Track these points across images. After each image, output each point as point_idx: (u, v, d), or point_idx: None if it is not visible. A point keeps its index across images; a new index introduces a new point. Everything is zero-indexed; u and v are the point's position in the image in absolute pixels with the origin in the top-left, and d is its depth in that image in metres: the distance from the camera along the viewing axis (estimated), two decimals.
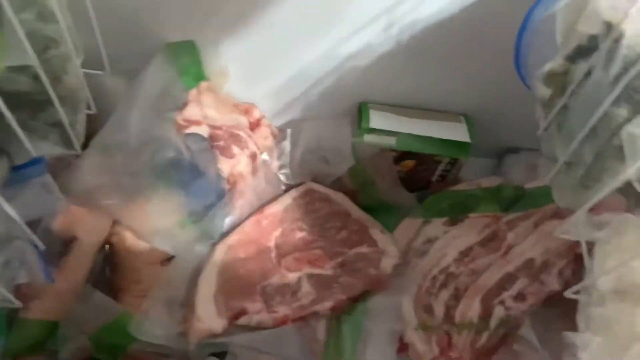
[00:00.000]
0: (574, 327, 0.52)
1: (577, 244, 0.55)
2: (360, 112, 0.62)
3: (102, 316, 0.47)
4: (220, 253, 0.55)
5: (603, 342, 0.32)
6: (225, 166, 0.60)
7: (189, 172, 0.58)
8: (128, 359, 0.49)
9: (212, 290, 0.51)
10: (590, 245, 0.40)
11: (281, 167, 0.65)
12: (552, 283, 0.53)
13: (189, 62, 0.59)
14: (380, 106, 0.62)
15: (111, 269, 0.57)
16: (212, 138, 0.60)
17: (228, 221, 0.59)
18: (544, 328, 0.52)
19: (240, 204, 0.60)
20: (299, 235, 0.60)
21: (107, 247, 0.56)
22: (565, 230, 0.42)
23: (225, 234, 0.58)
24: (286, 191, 0.64)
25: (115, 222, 0.56)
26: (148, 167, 0.55)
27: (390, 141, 0.61)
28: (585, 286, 0.36)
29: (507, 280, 0.55)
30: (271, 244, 0.58)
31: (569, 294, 0.37)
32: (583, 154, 0.37)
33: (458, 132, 0.61)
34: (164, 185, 0.56)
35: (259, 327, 0.50)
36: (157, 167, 0.55)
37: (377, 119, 0.60)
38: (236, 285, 0.52)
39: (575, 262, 0.54)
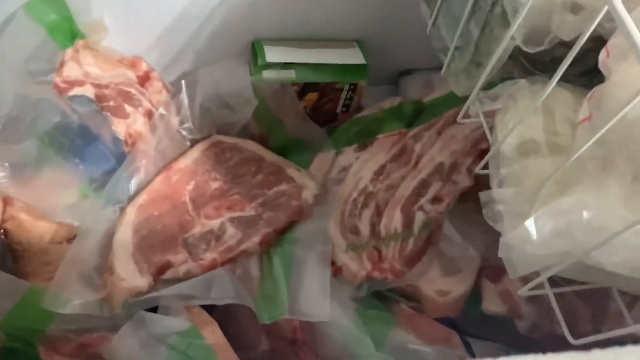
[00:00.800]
0: None
1: (480, 140, 0.59)
2: (254, 50, 0.60)
3: (9, 297, 0.42)
4: (131, 215, 0.52)
5: (516, 192, 0.34)
6: (120, 127, 0.57)
7: (80, 137, 0.54)
8: (48, 343, 0.45)
9: (129, 250, 0.48)
10: (491, 125, 0.43)
11: (182, 122, 0.61)
12: (463, 180, 0.56)
13: (57, 19, 0.54)
14: (274, 41, 0.61)
15: (13, 258, 0.52)
16: (99, 98, 0.56)
17: (134, 183, 0.55)
18: (463, 222, 0.55)
19: (144, 164, 0.57)
20: (214, 185, 0.58)
21: (1, 234, 0.51)
22: (464, 115, 0.44)
23: (133, 197, 0.54)
24: (192, 146, 0.62)
25: (6, 206, 0.51)
26: (33, 136, 0.50)
27: (290, 74, 0.60)
28: (492, 156, 0.38)
29: (422, 187, 0.57)
30: (185, 198, 0.56)
31: (478, 170, 0.39)
32: (470, 32, 0.38)
33: (353, 56, 0.62)
34: (55, 154, 0.51)
35: (188, 277, 0.48)
36: (43, 135, 0.50)
37: (273, 54, 0.59)
38: (155, 241, 0.49)
39: (481, 157, 0.57)
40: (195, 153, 0.60)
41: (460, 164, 0.57)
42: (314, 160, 0.63)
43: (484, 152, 0.57)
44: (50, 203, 0.51)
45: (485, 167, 0.40)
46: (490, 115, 0.43)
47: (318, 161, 0.63)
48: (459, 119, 0.44)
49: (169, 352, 0.40)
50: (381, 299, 0.54)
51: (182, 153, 0.60)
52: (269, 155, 0.62)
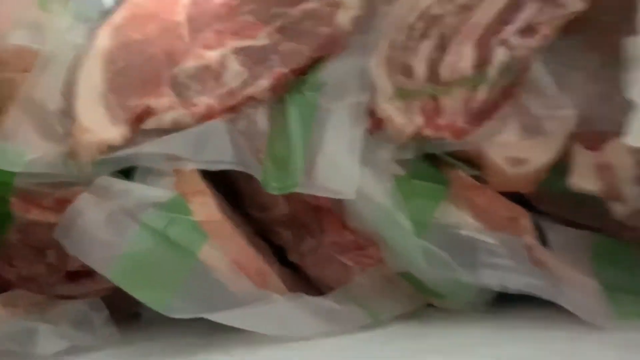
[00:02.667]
0: (605, 57, 0.39)
1: None
2: None
3: None
4: (104, 39, 0.39)
5: None
6: None
7: None
8: (21, 196, 0.37)
9: (97, 89, 0.36)
10: None
11: None
12: (573, 1, 0.38)
13: None
14: None
15: None
16: None
17: None
18: (562, 65, 0.38)
19: None
20: (219, 0, 0.42)
21: None
22: None
23: (109, 13, 0.40)
24: None
25: None
26: None
27: None
28: None
29: (510, 8, 0.39)
30: (180, 17, 0.41)
31: None
32: None
33: None
34: None
35: (176, 129, 0.36)
36: None
37: None
38: (133, 78, 0.37)
39: None
40: None
41: None
42: None
43: None
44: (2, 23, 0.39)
45: None
46: None
47: None
48: None
49: (141, 232, 0.31)
50: (434, 163, 0.42)
51: None
52: None
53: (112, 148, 0.35)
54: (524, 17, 0.39)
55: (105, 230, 0.31)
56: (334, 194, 0.34)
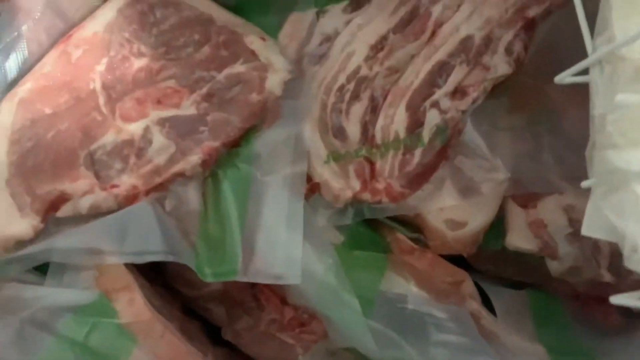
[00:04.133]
0: (533, 117, 0.40)
1: (527, 4, 0.40)
2: None
3: None
4: (7, 114, 0.35)
5: None
6: None
7: None
8: None
9: (2, 174, 0.32)
10: None
11: None
12: (500, 65, 0.39)
13: None
14: None
15: None
16: None
17: (13, 64, 0.37)
18: (492, 127, 0.39)
19: (30, 31, 0.38)
20: (138, 64, 0.40)
21: None
22: None
23: (11, 86, 0.36)
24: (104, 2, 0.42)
25: None
26: None
27: None
28: (598, 59, 0.21)
29: (439, 71, 0.40)
30: (95, 85, 0.38)
31: (566, 79, 0.22)
32: None
33: None
34: None
35: (95, 214, 0.33)
36: None
37: None
38: (43, 159, 0.33)
39: (526, 31, 0.39)
40: (108, 13, 0.41)
41: (495, 39, 0.39)
42: (284, 23, 0.44)
43: (530, 25, 0.39)
44: None
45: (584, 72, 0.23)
46: None
47: (291, 23, 0.44)
48: None
49: (57, 345, 0.27)
50: (373, 226, 0.41)
51: (89, 13, 0.41)
52: (221, 15, 0.43)
53: (20, 243, 0.30)
54: (453, 80, 0.39)
55: (13, 351, 0.27)
56: (278, 279, 0.32)
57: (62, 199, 0.32)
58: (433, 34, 0.41)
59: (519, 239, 0.39)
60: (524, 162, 0.38)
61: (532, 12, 0.39)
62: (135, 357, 0.28)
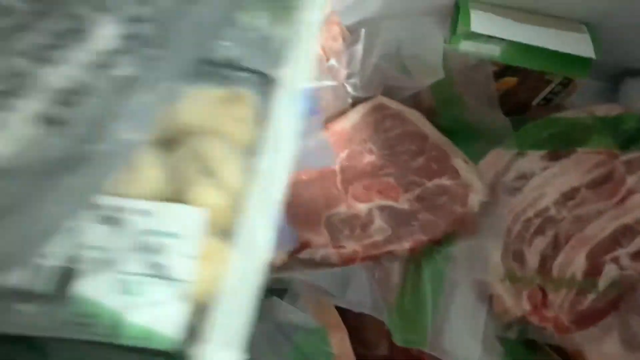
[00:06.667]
0: None
1: None
2: (457, 10, 0.50)
3: None
4: None
5: None
6: None
7: None
8: None
9: None
10: None
11: (350, 75, 0.54)
12: None
13: None
14: (484, 5, 0.49)
15: None
16: None
17: None
18: None
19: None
20: (368, 159, 0.50)
21: None
22: None
23: None
24: (353, 105, 0.54)
25: None
26: None
27: (493, 51, 0.49)
28: None
29: (624, 233, 0.45)
30: (336, 167, 0.49)
31: None
32: None
33: (579, 45, 0.49)
34: None
35: (323, 264, 0.42)
36: None
37: (480, 22, 0.48)
38: (299, 212, 0.44)
39: None
40: (354, 116, 0.53)
41: None
42: (487, 154, 0.53)
43: None
44: None
45: None
46: None
47: (492, 157, 0.52)
48: None
49: (293, 352, 0.35)
50: (531, 347, 0.45)
51: (342, 112, 0.53)
52: (434, 135, 0.53)
53: (272, 268, 0.40)
54: (636, 243, 0.44)
55: (267, 343, 0.35)
56: None
57: (306, 245, 0.42)
58: (623, 199, 0.47)
59: None
60: None
61: None
62: None
